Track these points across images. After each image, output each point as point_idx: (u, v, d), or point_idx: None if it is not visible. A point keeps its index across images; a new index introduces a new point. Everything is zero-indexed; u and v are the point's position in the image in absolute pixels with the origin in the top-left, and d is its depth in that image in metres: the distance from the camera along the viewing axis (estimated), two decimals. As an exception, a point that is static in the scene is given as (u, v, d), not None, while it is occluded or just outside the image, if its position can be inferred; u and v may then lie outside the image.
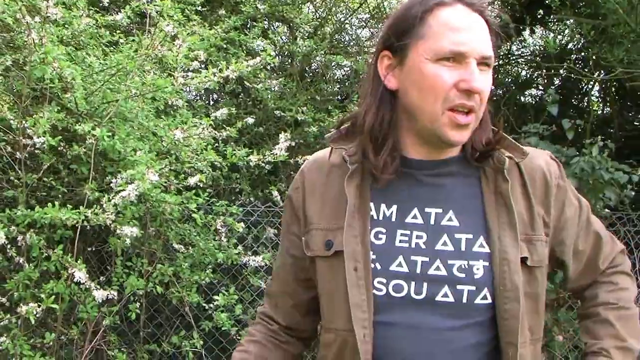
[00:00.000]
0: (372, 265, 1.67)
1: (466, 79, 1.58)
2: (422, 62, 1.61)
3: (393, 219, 1.70)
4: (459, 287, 1.62)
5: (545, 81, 8.52)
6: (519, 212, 1.67)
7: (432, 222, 1.68)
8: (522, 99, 8.56)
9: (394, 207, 1.71)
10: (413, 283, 1.64)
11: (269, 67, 6.32)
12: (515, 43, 8.73)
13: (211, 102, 6.66)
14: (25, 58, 3.41)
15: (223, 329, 4.31)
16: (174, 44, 3.73)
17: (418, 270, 1.64)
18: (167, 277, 4.01)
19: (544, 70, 8.28)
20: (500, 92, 8.51)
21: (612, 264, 1.90)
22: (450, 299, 1.62)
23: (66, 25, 3.98)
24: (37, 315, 2.92)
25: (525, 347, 1.65)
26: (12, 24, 3.44)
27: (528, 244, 1.67)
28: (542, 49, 8.07)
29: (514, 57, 9.07)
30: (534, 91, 8.87)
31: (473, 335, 1.63)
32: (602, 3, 5.54)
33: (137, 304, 3.93)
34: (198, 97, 6.51)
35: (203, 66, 4.20)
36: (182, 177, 3.91)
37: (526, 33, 8.19)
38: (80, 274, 3.08)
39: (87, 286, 3.17)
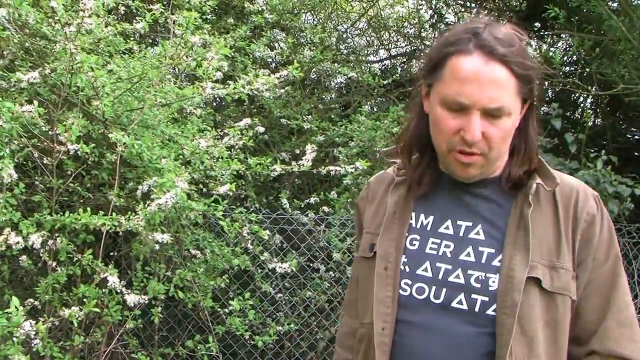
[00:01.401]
0: (402, 267, 1.83)
1: (465, 129, 1.67)
2: (435, 103, 1.73)
3: (428, 228, 1.85)
4: (473, 296, 1.72)
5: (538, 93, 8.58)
6: (543, 238, 1.73)
7: (461, 234, 1.80)
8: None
9: (431, 218, 1.86)
10: (434, 287, 1.77)
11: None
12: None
13: (215, 109, 6.69)
14: (58, 66, 3.47)
15: (237, 333, 4.38)
16: (196, 53, 3.81)
17: (440, 277, 1.77)
18: (184, 282, 4.08)
19: (537, 83, 8.35)
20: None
21: (617, 352, 1.74)
22: (464, 306, 1.73)
23: (87, 33, 4.04)
24: (79, 319, 2.98)
25: None
26: (48, 33, 3.50)
27: (551, 270, 1.71)
28: (538, 61, 8.17)
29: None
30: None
31: (483, 345, 1.69)
32: (603, 19, 5.65)
33: (159, 308, 3.98)
34: (204, 104, 6.56)
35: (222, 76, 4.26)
36: (212, 185, 3.99)
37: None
38: (114, 278, 3.15)
39: (119, 290, 3.23)
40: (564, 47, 8.33)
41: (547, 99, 8.23)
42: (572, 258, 1.73)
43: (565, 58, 7.93)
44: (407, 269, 1.82)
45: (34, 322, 2.70)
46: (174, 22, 4.19)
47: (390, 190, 1.95)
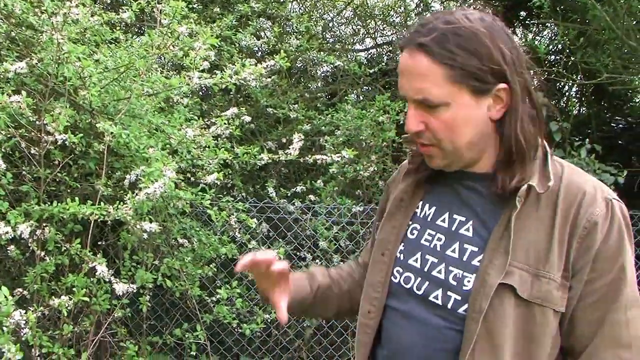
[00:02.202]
0: (398, 255, 1.87)
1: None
2: None
3: (428, 219, 1.84)
4: (449, 292, 1.72)
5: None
6: (532, 243, 1.63)
7: (453, 228, 1.78)
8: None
9: (433, 209, 1.85)
10: (419, 279, 1.79)
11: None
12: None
13: (201, 98, 6.69)
14: (45, 56, 3.47)
15: (225, 321, 4.41)
16: (186, 43, 3.82)
17: (426, 269, 1.78)
18: (172, 271, 4.10)
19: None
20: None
21: None
22: (439, 301, 1.73)
23: (73, 23, 4.04)
24: (69, 308, 2.99)
25: None
26: (34, 23, 3.50)
27: (534, 278, 1.62)
28: (523, 50, 8.19)
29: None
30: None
31: (452, 341, 1.69)
32: (587, 9, 5.69)
33: (147, 297, 4.00)
34: (190, 93, 6.56)
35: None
36: (199, 174, 4.01)
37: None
38: (102, 267, 3.16)
39: (107, 280, 3.25)
40: (549, 36, 8.36)
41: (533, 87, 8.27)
42: (564, 267, 1.62)
43: (550, 47, 7.97)
44: (402, 257, 1.86)
45: (24, 311, 2.71)
46: (160, 12, 4.18)
47: (402, 177, 1.96)
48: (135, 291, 3.54)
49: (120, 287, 3.20)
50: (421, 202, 1.89)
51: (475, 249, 1.70)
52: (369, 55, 8.44)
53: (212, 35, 4.59)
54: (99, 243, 4.41)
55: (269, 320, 4.97)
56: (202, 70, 3.90)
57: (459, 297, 1.69)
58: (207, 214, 4.21)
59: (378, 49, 8.52)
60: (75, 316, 4.01)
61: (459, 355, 1.66)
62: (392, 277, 1.86)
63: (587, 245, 1.60)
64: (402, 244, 1.88)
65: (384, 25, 8.45)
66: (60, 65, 3.38)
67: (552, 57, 7.88)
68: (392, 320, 1.85)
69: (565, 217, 1.62)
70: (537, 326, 1.62)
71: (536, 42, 6.67)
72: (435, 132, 1.66)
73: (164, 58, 4.56)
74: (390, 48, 8.28)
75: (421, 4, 8.05)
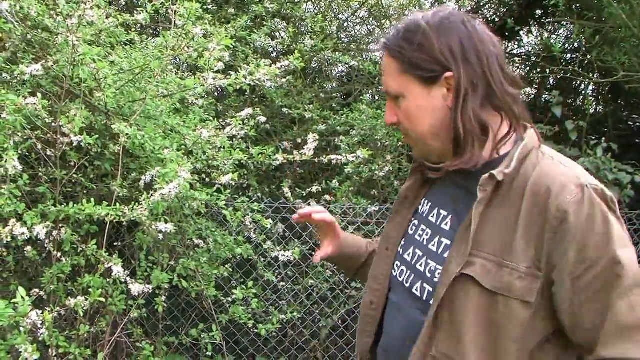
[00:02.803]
0: (399, 250, 1.97)
1: None
2: None
3: (424, 215, 1.92)
4: (424, 285, 1.80)
5: (539, 81, 8.63)
6: (498, 233, 1.65)
7: (437, 223, 1.85)
8: (518, 97, 8.63)
9: (429, 205, 1.93)
10: (408, 272, 1.89)
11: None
12: (511, 42, 8.84)
13: (216, 99, 6.70)
14: (60, 58, 3.48)
15: (241, 322, 4.42)
16: (201, 44, 3.82)
17: (413, 262, 1.87)
18: (188, 271, 4.11)
19: (538, 70, 8.38)
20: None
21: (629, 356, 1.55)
22: (418, 293, 1.82)
23: (88, 25, 4.06)
24: (85, 308, 3.01)
25: None
26: (50, 25, 3.51)
27: (497, 268, 1.63)
28: (539, 48, 8.17)
29: (509, 57, 9.17)
30: (528, 90, 8.97)
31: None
32: (603, 7, 5.66)
33: (162, 298, 4.02)
34: (205, 94, 6.57)
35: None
36: (215, 175, 4.02)
37: (522, 33, 8.32)
38: (118, 268, 3.17)
39: (123, 280, 3.26)
40: (565, 34, 8.33)
41: (548, 86, 8.25)
42: (534, 258, 1.60)
43: (566, 46, 7.95)
44: (401, 252, 1.95)
45: (40, 312, 2.72)
46: (175, 13, 4.19)
47: (409, 175, 2.03)
48: (151, 292, 3.55)
49: (135, 288, 3.21)
50: (423, 199, 1.97)
51: (449, 242, 1.76)
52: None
53: (226, 36, 4.62)
54: (115, 244, 4.42)
55: (284, 321, 4.98)
56: (217, 71, 3.91)
57: (431, 289, 1.77)
58: (222, 214, 4.22)
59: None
60: (92, 316, 4.03)
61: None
62: (393, 271, 1.97)
63: (562, 235, 1.56)
64: (404, 239, 1.98)
65: (402, 23, 8.41)
66: (76, 67, 3.39)
67: (568, 55, 7.86)
68: (389, 312, 1.95)
69: (532, 206, 1.61)
70: (500, 316, 1.62)
71: (552, 41, 6.64)
72: (402, 123, 1.80)
73: (180, 59, 4.58)
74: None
75: (436, 3, 8.03)
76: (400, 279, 1.91)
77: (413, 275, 1.85)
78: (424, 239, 1.86)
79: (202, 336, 4.48)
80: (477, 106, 1.68)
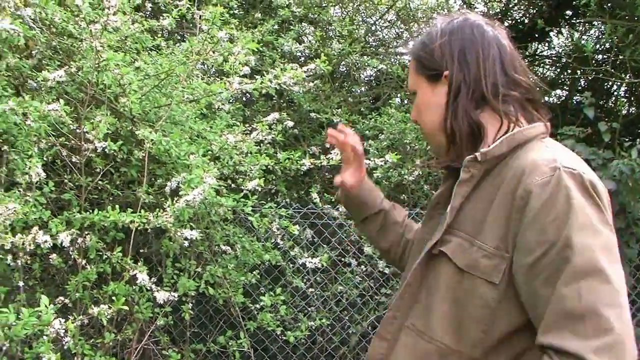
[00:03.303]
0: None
1: None
2: None
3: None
4: None
5: (570, 82, 8.54)
6: (473, 213, 1.70)
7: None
8: (548, 99, 8.57)
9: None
10: None
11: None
12: (540, 44, 8.74)
13: (244, 104, 6.68)
14: (84, 64, 3.47)
15: (269, 329, 4.38)
16: (223, 48, 3.79)
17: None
18: (215, 278, 4.08)
19: (569, 71, 8.29)
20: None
21: (559, 346, 1.49)
22: None
23: (113, 31, 4.04)
24: (108, 317, 2.97)
25: (407, 336, 1.79)
26: (73, 30, 3.50)
27: (469, 246, 1.67)
28: (569, 49, 8.08)
29: (540, 58, 9.08)
30: (558, 92, 8.89)
31: None
32: (636, 5, 5.56)
33: (189, 305, 3.98)
34: (233, 100, 6.56)
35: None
36: (240, 181, 3.98)
37: (552, 34, 8.22)
38: (143, 276, 3.13)
39: (148, 288, 3.23)
40: (596, 34, 8.21)
41: (580, 87, 8.14)
42: (502, 238, 1.60)
43: (598, 46, 7.83)
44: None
45: (64, 320, 2.69)
46: (200, 18, 4.17)
47: (442, 181, 2.03)
48: (177, 299, 3.52)
49: (161, 296, 3.17)
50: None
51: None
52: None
53: (253, 41, 4.59)
54: (141, 251, 4.39)
55: (313, 327, 4.92)
56: (243, 76, 3.88)
57: None
58: (250, 220, 4.19)
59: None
60: (119, 324, 4.01)
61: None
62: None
63: (524, 215, 1.57)
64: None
65: (427, 28, 8.37)
66: (100, 73, 3.37)
67: (600, 56, 7.75)
68: None
69: (506, 186, 1.63)
70: (463, 293, 1.66)
71: (583, 41, 6.53)
72: (416, 118, 1.95)
73: (207, 65, 4.55)
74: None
75: (464, 5, 7.96)
76: None
77: None
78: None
79: (230, 343, 4.44)
80: (470, 106, 1.75)
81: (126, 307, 3.05)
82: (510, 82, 1.76)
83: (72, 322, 2.70)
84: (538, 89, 1.90)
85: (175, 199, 3.21)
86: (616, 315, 1.45)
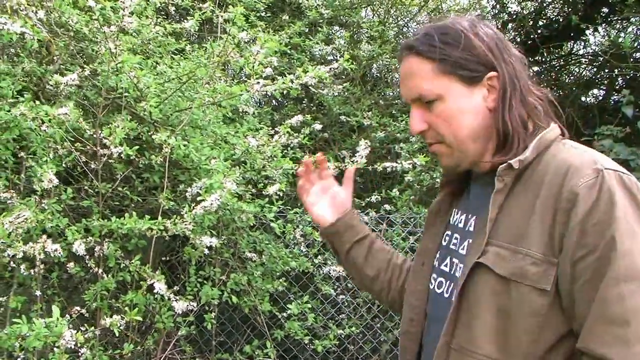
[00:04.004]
0: (434, 263, 1.89)
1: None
2: None
3: (455, 223, 1.88)
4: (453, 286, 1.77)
5: (607, 81, 8.36)
6: (514, 221, 1.61)
7: (465, 227, 1.81)
8: (585, 99, 8.41)
9: (459, 213, 1.88)
10: (449, 282, 1.80)
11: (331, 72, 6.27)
12: (576, 42, 8.58)
13: (274, 108, 6.60)
14: (100, 68, 3.40)
15: (296, 337, 4.28)
16: (247, 50, 3.70)
17: (451, 271, 1.81)
18: (240, 286, 3.99)
19: (607, 70, 8.12)
20: (561, 93, 8.36)
21: (598, 353, 1.45)
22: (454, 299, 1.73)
23: (135, 34, 3.98)
24: (121, 328, 2.88)
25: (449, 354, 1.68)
26: (87, 33, 3.42)
27: (511, 255, 1.59)
28: (606, 47, 7.89)
29: (575, 57, 8.91)
30: (595, 91, 8.72)
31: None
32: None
33: (212, 314, 3.88)
34: (262, 103, 6.49)
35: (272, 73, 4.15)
36: (260, 186, 3.89)
37: (588, 32, 8.04)
38: (160, 285, 3.04)
39: (167, 297, 3.13)
40: (634, 31, 8.02)
41: (618, 86, 7.95)
42: (548, 243, 1.54)
43: (636, 43, 7.65)
44: (437, 264, 1.89)
45: (75, 331, 2.61)
46: (223, 20, 4.10)
47: (439, 189, 2.00)
48: (198, 308, 3.44)
49: (179, 306, 3.07)
50: (454, 210, 1.92)
51: (472, 241, 1.74)
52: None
53: (280, 43, 4.50)
54: (164, 258, 4.31)
55: (342, 336, 4.81)
56: (266, 78, 3.78)
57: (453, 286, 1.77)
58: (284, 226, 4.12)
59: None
60: (145, 332, 3.94)
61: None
62: (430, 284, 1.89)
63: (570, 218, 1.50)
64: (439, 252, 1.90)
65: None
66: (116, 76, 3.29)
67: (638, 54, 7.56)
68: (428, 326, 1.89)
69: (549, 191, 1.57)
70: (512, 303, 1.57)
71: (620, 39, 6.35)
72: (438, 128, 1.70)
73: (232, 68, 4.47)
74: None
75: (497, 5, 7.82)
76: (439, 291, 1.84)
77: (452, 283, 1.78)
78: (456, 245, 1.82)
79: (256, 353, 4.34)
80: (519, 104, 1.68)
81: (139, 318, 2.96)
82: (529, 78, 1.73)
83: (83, 334, 2.61)
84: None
85: (193, 205, 3.12)
86: None
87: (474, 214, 1.78)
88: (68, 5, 3.30)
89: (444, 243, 1.89)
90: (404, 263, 2.17)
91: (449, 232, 1.89)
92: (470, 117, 1.68)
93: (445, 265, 1.84)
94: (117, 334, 2.99)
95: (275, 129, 4.12)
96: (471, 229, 1.77)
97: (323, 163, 2.09)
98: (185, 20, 4.45)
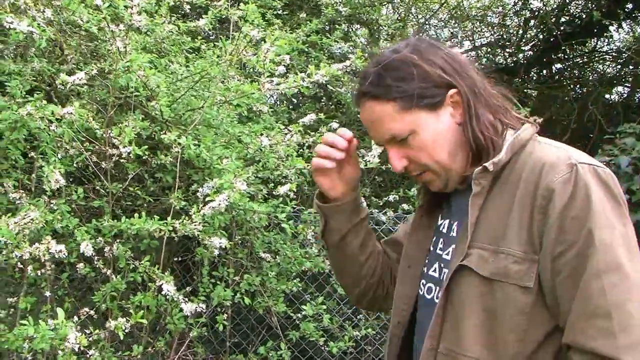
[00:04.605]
0: (423, 269, 1.88)
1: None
2: None
3: (440, 228, 1.87)
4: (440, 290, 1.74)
5: (632, 78, 8.26)
6: (493, 222, 1.62)
7: (448, 232, 1.82)
8: (609, 96, 8.31)
9: (442, 219, 1.88)
10: (437, 287, 1.80)
11: (350, 71, 6.22)
12: (599, 39, 8.50)
13: (292, 107, 6.57)
14: (110, 67, 3.37)
15: (310, 339, 4.23)
16: (260, 49, 3.66)
17: (440, 276, 1.79)
18: (254, 287, 3.95)
19: (631, 67, 8.03)
20: (584, 90, 8.27)
21: (587, 347, 1.46)
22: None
23: (149, 33, 3.96)
24: (126, 330, 2.86)
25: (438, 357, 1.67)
26: (97, 32, 3.40)
27: (493, 255, 1.59)
28: (631, 43, 7.79)
29: (599, 54, 8.81)
30: (619, 88, 8.63)
31: None
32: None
33: (224, 315, 3.84)
34: (279, 102, 6.45)
35: (285, 71, 4.10)
36: (271, 186, 3.84)
37: (612, 28, 7.95)
38: (169, 286, 3.00)
39: (175, 299, 3.09)
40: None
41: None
42: (528, 241, 1.56)
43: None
44: (425, 270, 1.88)
45: (80, 334, 2.59)
46: (237, 17, 4.06)
47: (420, 197, 1.99)
48: (211, 310, 3.41)
49: (188, 307, 3.03)
50: (439, 215, 1.91)
51: (455, 246, 1.75)
52: (468, 58, 8.19)
53: (297, 41, 4.46)
54: (175, 259, 4.29)
55: (358, 337, 4.75)
56: (278, 75, 3.74)
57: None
58: (295, 226, 4.08)
59: (476, 51, 8.26)
60: (158, 333, 3.92)
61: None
62: (419, 290, 1.88)
63: (548, 215, 1.53)
64: (427, 257, 1.90)
65: (482, 27, 8.20)
66: (125, 75, 3.26)
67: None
68: (418, 331, 1.86)
69: (525, 189, 1.59)
70: (497, 303, 1.58)
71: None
72: (419, 160, 1.71)
73: (248, 66, 4.44)
74: (489, 49, 8.01)
75: (519, 2, 7.73)
76: (429, 296, 1.82)
77: (441, 289, 1.74)
78: (442, 250, 1.82)
79: (271, 354, 4.29)
80: (484, 109, 1.70)
81: (144, 321, 2.92)
82: (485, 80, 1.75)
83: (87, 337, 2.58)
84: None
85: (201, 205, 3.09)
86: (634, 309, 1.44)
87: (456, 219, 1.78)
88: (76, 3, 3.27)
89: (432, 248, 1.88)
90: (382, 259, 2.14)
91: (434, 238, 1.89)
92: (445, 139, 1.69)
93: (434, 271, 1.83)
94: (122, 337, 2.96)
95: (288, 127, 4.08)
96: (454, 234, 1.77)
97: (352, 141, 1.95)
98: (201, 19, 4.43)
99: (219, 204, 2.97)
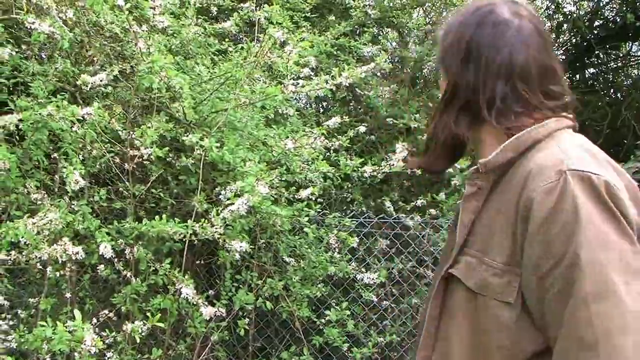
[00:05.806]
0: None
1: None
2: None
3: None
4: None
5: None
6: (483, 229, 1.52)
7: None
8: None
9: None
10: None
11: (379, 74, 6.17)
12: (635, 43, 8.38)
13: (321, 110, 6.54)
14: (133, 68, 3.36)
15: (335, 345, 4.19)
16: (284, 50, 3.63)
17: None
18: (277, 291, 3.91)
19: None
20: (618, 95, 8.16)
21: None
22: None
23: (175, 35, 3.95)
24: (143, 334, 2.84)
25: None
26: (119, 33, 3.39)
27: (479, 264, 1.50)
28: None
29: (634, 58, 8.69)
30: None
31: None
32: None
33: (246, 320, 3.82)
34: (308, 105, 6.42)
35: (313, 73, 4.07)
36: (293, 189, 3.81)
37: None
38: (188, 290, 2.99)
39: (195, 302, 3.07)
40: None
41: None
42: (510, 253, 1.42)
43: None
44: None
45: (96, 336, 2.57)
46: (263, 18, 4.04)
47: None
48: (234, 314, 3.38)
49: (207, 311, 3.01)
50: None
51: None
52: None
53: (325, 44, 4.43)
54: (201, 262, 4.27)
55: (383, 344, 4.70)
56: (303, 78, 3.71)
57: None
58: (319, 231, 4.04)
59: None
60: (180, 336, 3.90)
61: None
62: None
63: (528, 227, 1.37)
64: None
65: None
66: (148, 77, 3.24)
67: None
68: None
69: (511, 195, 1.44)
70: (480, 316, 1.48)
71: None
72: None
73: (275, 69, 4.42)
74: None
75: (552, 6, 7.63)
76: None
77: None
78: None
79: (294, 359, 4.26)
80: (453, 112, 1.57)
81: (162, 324, 2.89)
82: (516, 92, 1.49)
83: (103, 340, 2.57)
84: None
85: (219, 208, 3.07)
86: (632, 343, 1.26)
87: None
88: (100, 4, 3.26)
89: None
90: None
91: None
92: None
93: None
94: (137, 340, 2.93)
95: (313, 130, 4.05)
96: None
97: None
98: (227, 21, 4.42)
99: (238, 208, 2.94)
